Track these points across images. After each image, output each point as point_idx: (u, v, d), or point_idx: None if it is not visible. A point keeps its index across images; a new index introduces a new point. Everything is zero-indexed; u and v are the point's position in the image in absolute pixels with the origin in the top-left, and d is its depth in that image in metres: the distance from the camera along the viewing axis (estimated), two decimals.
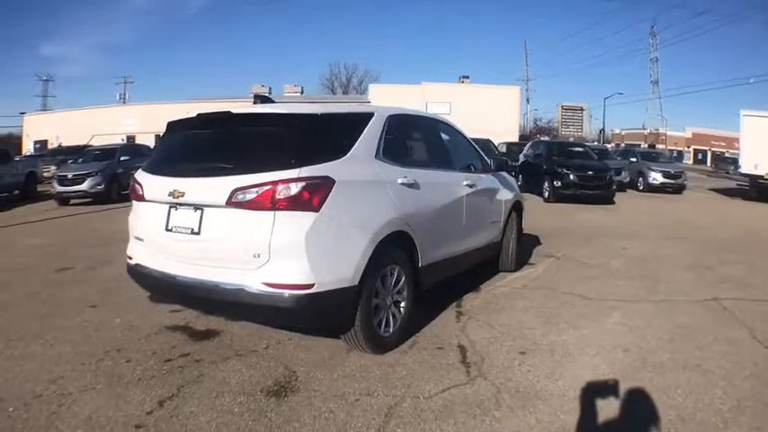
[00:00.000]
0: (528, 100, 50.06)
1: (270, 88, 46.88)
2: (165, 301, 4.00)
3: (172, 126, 3.44)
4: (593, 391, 2.84)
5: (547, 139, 31.75)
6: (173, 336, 3.67)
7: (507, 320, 4.05)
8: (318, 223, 2.83)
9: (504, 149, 18.97)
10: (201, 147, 3.28)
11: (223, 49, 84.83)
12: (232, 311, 3.16)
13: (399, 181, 3.46)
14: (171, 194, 3.07)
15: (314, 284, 2.81)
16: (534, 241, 7.43)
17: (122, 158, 14.20)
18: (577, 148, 16.14)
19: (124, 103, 45.24)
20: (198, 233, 3.00)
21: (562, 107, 43.32)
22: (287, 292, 2.78)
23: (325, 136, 3.14)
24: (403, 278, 3.48)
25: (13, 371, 3.08)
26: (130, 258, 3.47)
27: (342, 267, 2.92)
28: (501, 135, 26.41)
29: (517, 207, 5.75)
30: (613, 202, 13.51)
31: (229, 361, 3.25)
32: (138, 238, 3.42)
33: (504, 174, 5.65)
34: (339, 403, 2.73)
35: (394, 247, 3.36)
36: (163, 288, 3.25)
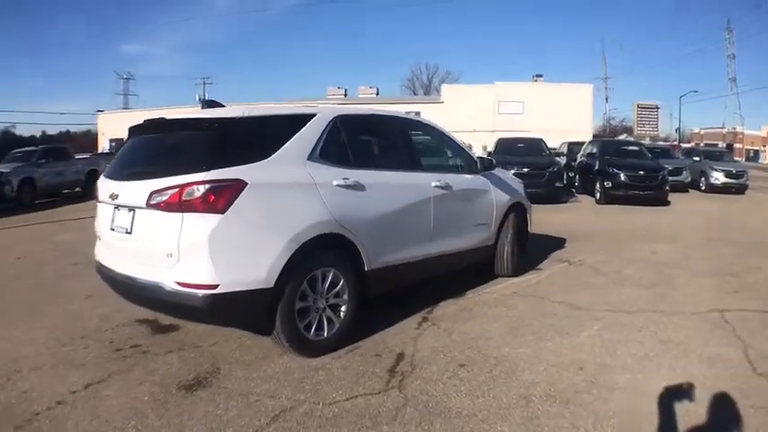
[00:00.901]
0: (607, 99, 46.97)
1: (345, 90, 47.39)
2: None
3: (130, 131, 3.61)
4: (507, 413, 2.58)
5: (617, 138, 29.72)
6: (137, 328, 3.85)
7: (470, 329, 3.81)
8: (224, 225, 2.83)
9: (564, 149, 17.91)
10: (141, 151, 3.42)
11: (300, 50, 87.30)
12: (156, 308, 3.25)
13: (335, 183, 3.37)
14: (110, 197, 3.23)
15: (218, 285, 2.82)
16: (557, 245, 7.02)
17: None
18: (631, 147, 14.93)
19: (203, 102, 47.11)
20: (130, 233, 3.12)
21: (638, 106, 40.24)
22: (194, 292, 2.82)
23: (244, 139, 3.14)
24: (341, 282, 3.38)
25: None
26: (95, 256, 3.69)
27: (252, 269, 2.90)
28: (573, 135, 25.05)
29: (518, 209, 5.40)
30: (667, 203, 12.36)
31: (170, 354, 3.35)
32: (98, 238, 3.63)
33: (501, 174, 5.35)
34: (237, 402, 2.72)
35: (326, 250, 3.28)
36: (110, 283, 3.42)
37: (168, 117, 3.25)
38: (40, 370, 3.09)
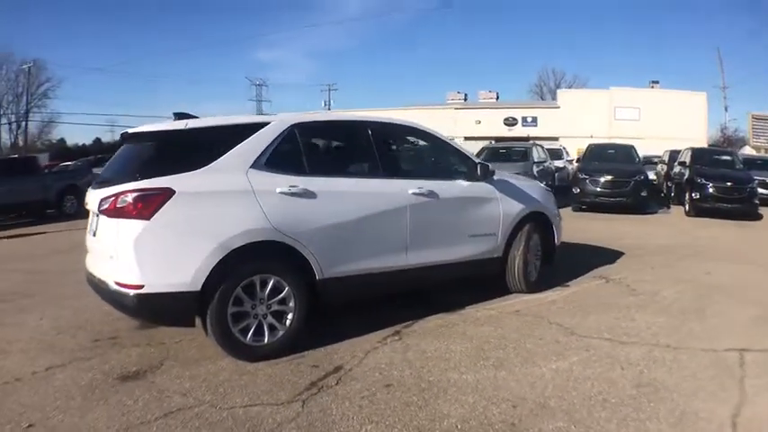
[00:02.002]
0: (726, 108, 41.07)
1: (465, 94, 47.20)
2: None
3: (119, 142, 3.94)
4: None
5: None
6: (128, 323, 4.09)
7: (432, 348, 3.56)
8: (149, 230, 2.97)
9: (666, 157, 16.03)
10: (113, 161, 3.71)
11: (423, 55, 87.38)
12: (111, 305, 3.46)
13: (279, 190, 3.35)
14: (86, 203, 3.57)
15: (143, 286, 2.96)
16: (608, 259, 6.35)
17: None
18: (724, 157, 13.05)
19: (329, 109, 46.53)
20: (95, 236, 3.42)
21: (752, 116, 34.44)
22: (126, 291, 3.00)
23: (182, 150, 3.26)
24: (286, 289, 3.35)
25: None
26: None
27: (177, 272, 3.00)
28: (687, 143, 22.59)
29: (537, 219, 4.90)
30: (759, 217, 10.66)
31: (134, 348, 3.60)
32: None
33: (514, 181, 4.90)
34: (150, 395, 2.86)
35: (264, 257, 3.28)
36: (89, 282, 3.67)
37: (131, 130, 3.49)
38: (24, 352, 3.53)
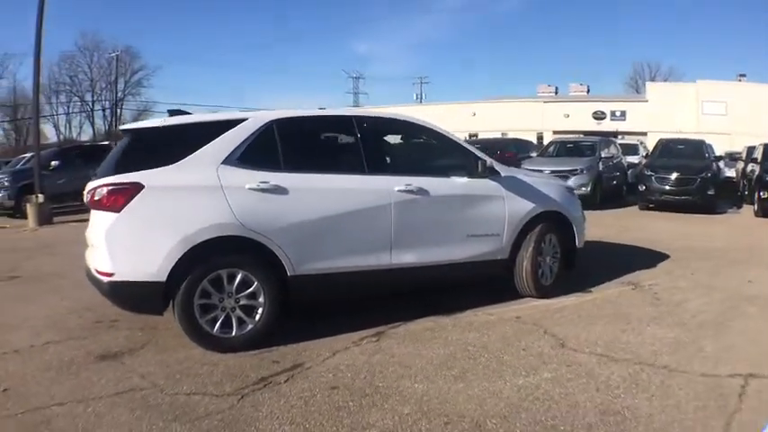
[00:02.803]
0: None
1: (556, 87, 45.30)
2: None
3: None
4: None
5: None
6: None
7: (403, 353, 3.41)
8: (119, 222, 3.15)
9: (744, 154, 14.24)
10: (107, 156, 3.92)
11: (515, 47, 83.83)
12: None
13: (248, 186, 3.39)
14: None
15: (113, 274, 3.16)
16: (646, 262, 5.83)
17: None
18: None
19: (420, 102, 46.23)
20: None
21: None
22: (102, 278, 3.22)
23: (155, 146, 3.40)
24: (255, 284, 3.39)
25: (17, 309, 4.41)
26: None
27: (143, 262, 3.16)
28: None
29: (552, 221, 4.56)
30: None
31: (127, 330, 3.84)
32: None
33: (526, 178, 4.57)
34: (114, 375, 3.08)
35: (231, 252, 3.35)
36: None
37: (124, 126, 3.70)
38: (33, 328, 3.93)
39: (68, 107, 49.13)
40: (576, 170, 10.97)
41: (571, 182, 10.79)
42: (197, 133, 3.48)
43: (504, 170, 4.47)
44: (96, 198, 3.23)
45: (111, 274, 3.18)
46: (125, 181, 3.19)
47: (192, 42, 72.56)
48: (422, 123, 4.35)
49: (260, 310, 3.45)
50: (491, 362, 3.23)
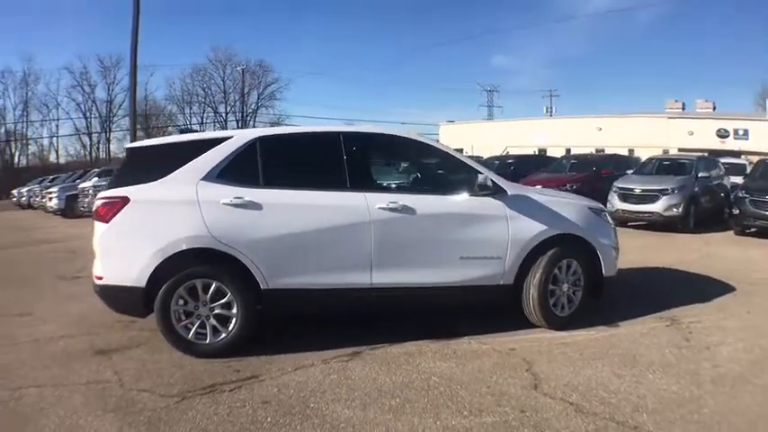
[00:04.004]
0: None
1: (683, 103, 41.52)
2: None
3: None
4: None
5: None
6: None
7: (360, 377, 3.34)
8: (107, 232, 3.57)
9: None
10: None
11: (646, 61, 77.14)
12: None
13: (223, 201, 3.60)
14: None
15: (103, 277, 3.57)
16: (704, 295, 5.16)
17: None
18: None
19: (551, 115, 45.64)
20: None
21: None
22: (95, 281, 3.65)
23: (146, 163, 3.77)
24: (228, 295, 3.59)
25: (61, 306, 5.07)
26: None
27: (126, 269, 3.53)
28: None
29: (570, 245, 4.20)
30: None
31: (135, 330, 4.21)
32: None
33: (538, 197, 4.24)
34: (96, 368, 3.50)
35: (204, 263, 3.58)
36: None
37: (127, 144, 4.16)
38: (59, 322, 4.51)
39: (202, 118, 54.25)
40: (667, 190, 9.85)
41: (661, 202, 9.72)
42: (185, 151, 3.78)
43: (511, 188, 4.17)
44: (94, 210, 3.67)
45: (101, 278, 3.59)
46: (114, 195, 3.60)
47: (325, 56, 76.91)
48: (419, 140, 4.26)
49: (233, 321, 3.62)
50: (441, 396, 3.04)
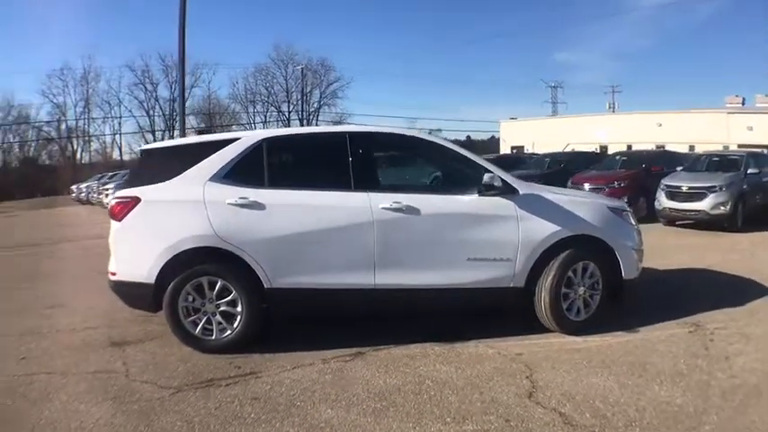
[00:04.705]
0: None
1: (743, 99, 38.96)
2: None
3: None
4: None
5: None
6: None
7: (354, 377, 3.37)
8: (120, 230, 3.78)
9: None
10: None
11: (706, 55, 72.02)
12: None
13: (228, 201, 3.71)
14: None
15: (116, 273, 3.78)
16: (738, 299, 4.80)
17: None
18: None
19: (613, 111, 44.25)
20: None
21: None
22: (110, 277, 3.89)
23: (159, 164, 3.94)
24: (233, 293, 3.71)
25: (92, 299, 5.35)
26: None
27: (136, 266, 3.73)
28: None
29: (587, 247, 4.03)
30: None
31: (158, 325, 4.35)
32: None
33: (551, 197, 4.08)
34: (107, 358, 3.76)
35: (210, 262, 3.71)
36: None
37: (141, 147, 4.37)
38: (85, 315, 4.82)
39: (265, 117, 55.05)
40: (714, 187, 9.28)
41: (708, 200, 9.15)
42: (195, 152, 3.93)
43: (523, 187, 4.03)
44: (109, 209, 3.88)
45: (114, 274, 3.81)
46: (127, 195, 3.80)
47: (388, 55, 76.84)
48: (427, 139, 4.22)
49: (238, 318, 3.74)
50: (429, 401, 3.01)
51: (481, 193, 3.89)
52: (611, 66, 79.30)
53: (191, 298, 3.74)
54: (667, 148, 21.83)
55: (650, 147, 22.50)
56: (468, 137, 54.12)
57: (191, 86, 48.91)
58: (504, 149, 39.03)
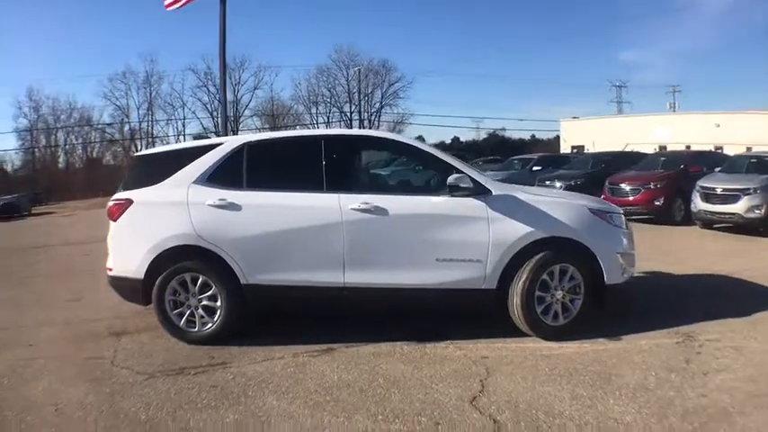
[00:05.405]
0: None
1: None
2: None
3: None
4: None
5: None
6: None
7: (314, 372, 3.49)
8: (115, 229, 4.11)
9: None
10: None
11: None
12: None
13: (208, 203, 3.94)
14: None
15: (112, 269, 4.10)
16: (742, 309, 4.44)
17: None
18: None
19: (674, 111, 42.38)
20: None
21: None
22: (107, 272, 4.22)
23: (150, 168, 4.22)
24: (213, 288, 3.93)
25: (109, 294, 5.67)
26: None
27: (128, 262, 4.05)
28: None
29: (568, 249, 3.91)
30: None
31: (149, 317, 4.60)
32: None
33: (526, 197, 3.99)
34: (100, 345, 4.10)
35: (192, 259, 3.94)
36: None
37: (136, 153, 4.68)
38: (97, 308, 5.16)
39: (328, 117, 54.91)
40: (749, 189, 8.63)
41: (742, 203, 8.44)
42: (183, 157, 4.20)
43: (497, 188, 3.96)
44: (107, 210, 4.21)
45: (110, 270, 4.13)
46: (122, 197, 4.13)
47: (448, 54, 75.69)
48: (398, 140, 4.26)
49: (219, 312, 3.95)
50: (371, 399, 3.10)
51: (451, 194, 3.85)
52: (670, 65, 74.70)
53: (176, 293, 4.00)
54: (725, 149, 20.38)
55: (708, 147, 21.07)
56: (533, 136, 52.87)
57: (253, 88, 50.58)
58: (565, 149, 38.07)
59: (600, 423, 2.69)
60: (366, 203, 3.88)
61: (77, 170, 45.92)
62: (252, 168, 4.11)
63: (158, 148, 4.87)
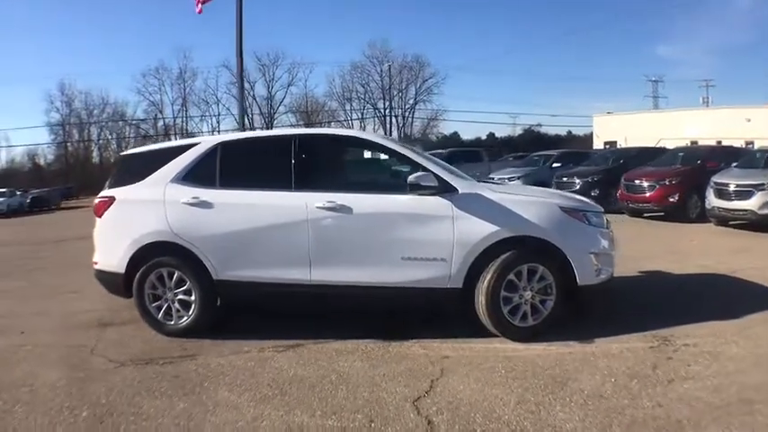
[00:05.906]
0: None
1: None
2: None
3: None
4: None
5: None
6: None
7: (275, 367, 3.55)
8: (100, 226, 4.32)
9: None
10: None
11: None
12: None
13: (182, 201, 4.05)
14: None
15: (97, 263, 4.29)
16: (733, 311, 4.24)
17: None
18: None
19: (707, 106, 41.25)
20: None
21: None
22: (93, 265, 4.39)
23: (133, 167, 4.40)
24: (187, 283, 4.06)
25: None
26: None
27: (111, 257, 4.25)
28: None
29: (538, 249, 3.84)
30: None
31: (135, 309, 4.72)
32: None
33: (493, 196, 3.93)
34: (86, 335, 4.30)
35: (167, 254, 4.09)
36: None
37: (121, 153, 4.84)
38: (93, 300, 5.32)
39: (362, 114, 54.41)
40: (763, 185, 8.17)
41: (755, 199, 7.96)
42: (163, 156, 4.34)
43: (465, 186, 3.91)
44: (93, 207, 4.40)
45: (96, 264, 4.32)
46: (106, 195, 4.32)
47: (480, 48, 74.49)
48: (371, 139, 4.29)
49: (193, 306, 4.06)
50: (317, 395, 3.15)
51: (415, 192, 3.80)
52: (703, 60, 71.66)
53: (155, 286, 4.15)
54: (756, 143, 19.33)
55: (739, 143, 20.02)
56: (569, 132, 51.71)
57: (287, 85, 50.94)
58: (598, 144, 37.18)
59: (536, 430, 2.62)
60: (330, 201, 3.91)
61: (111, 165, 47.31)
62: (225, 167, 4.21)
63: (142, 148, 5.05)
